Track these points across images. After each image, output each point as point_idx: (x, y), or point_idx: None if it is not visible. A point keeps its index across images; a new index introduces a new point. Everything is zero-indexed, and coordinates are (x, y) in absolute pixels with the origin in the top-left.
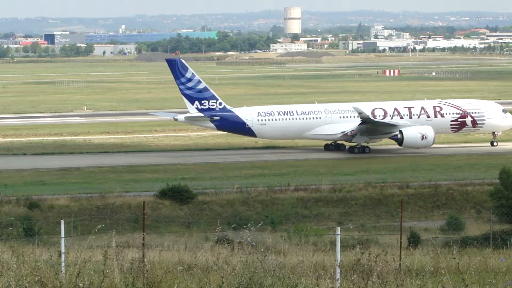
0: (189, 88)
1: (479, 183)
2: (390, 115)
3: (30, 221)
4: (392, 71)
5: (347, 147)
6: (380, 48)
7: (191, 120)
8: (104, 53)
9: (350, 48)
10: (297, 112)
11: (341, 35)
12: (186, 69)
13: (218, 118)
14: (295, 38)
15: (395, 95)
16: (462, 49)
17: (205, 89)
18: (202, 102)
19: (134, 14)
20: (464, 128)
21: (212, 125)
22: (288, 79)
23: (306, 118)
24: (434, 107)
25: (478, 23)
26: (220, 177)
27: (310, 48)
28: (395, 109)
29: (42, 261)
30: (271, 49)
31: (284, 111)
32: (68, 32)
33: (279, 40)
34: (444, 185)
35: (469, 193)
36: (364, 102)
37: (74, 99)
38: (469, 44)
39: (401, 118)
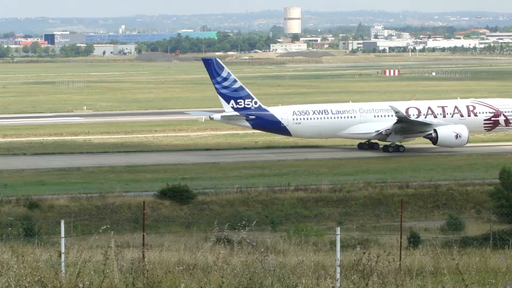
0: (225, 87)
1: (479, 183)
2: (424, 114)
3: (30, 221)
4: (392, 71)
5: (381, 146)
6: (380, 48)
7: (227, 119)
8: (104, 53)
9: (350, 48)
10: (332, 111)
11: (341, 35)
12: (222, 68)
13: (254, 117)
14: (295, 38)
15: (395, 95)
16: (462, 49)
17: (241, 88)
18: (238, 101)
19: (134, 14)
20: (497, 127)
21: (247, 124)
22: (288, 79)
23: (341, 117)
24: (467, 106)
25: (478, 23)
26: (220, 177)
27: (310, 48)
28: (429, 108)
29: (42, 261)
30: (271, 49)
31: (319, 110)
32: (68, 32)
33: (279, 40)
34: (444, 185)
35: (469, 193)
36: (399, 102)
37: (74, 99)
38: (469, 44)
39: (435, 117)
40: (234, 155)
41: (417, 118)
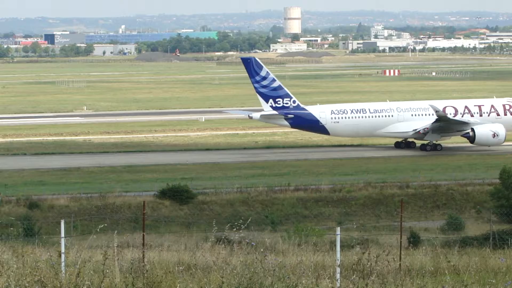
0: (264, 87)
1: (479, 183)
2: (460, 113)
3: (30, 221)
4: (392, 71)
5: (417, 145)
6: (380, 48)
7: (266, 118)
8: (104, 53)
9: (350, 48)
10: (369, 110)
11: (341, 35)
12: (260, 67)
13: (292, 116)
14: (295, 38)
15: (395, 95)
16: (462, 49)
17: (280, 87)
18: (277, 100)
19: (134, 14)
20: None
21: (286, 123)
22: (288, 79)
23: (379, 116)
24: (503, 105)
25: (478, 23)
26: (220, 177)
27: (310, 48)
28: (466, 107)
29: (42, 261)
30: (271, 49)
31: (357, 109)
32: (68, 32)
33: (279, 40)
34: (444, 185)
35: (469, 193)
36: (436, 100)
37: (74, 99)
38: (469, 44)
39: (472, 116)
40: (234, 155)
41: (454, 117)
